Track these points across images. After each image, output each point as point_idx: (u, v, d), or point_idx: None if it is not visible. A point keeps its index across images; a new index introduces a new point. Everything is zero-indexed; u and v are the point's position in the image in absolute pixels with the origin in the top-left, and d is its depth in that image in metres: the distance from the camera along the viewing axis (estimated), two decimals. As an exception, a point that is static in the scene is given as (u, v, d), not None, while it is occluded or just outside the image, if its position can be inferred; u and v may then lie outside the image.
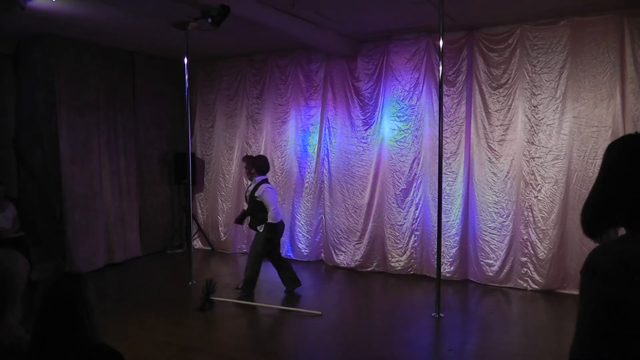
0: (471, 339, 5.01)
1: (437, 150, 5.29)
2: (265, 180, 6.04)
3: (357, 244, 7.35)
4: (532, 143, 6.19)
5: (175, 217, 8.87)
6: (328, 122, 7.63)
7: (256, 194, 5.87)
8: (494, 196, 6.42)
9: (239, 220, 6.28)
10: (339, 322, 5.31)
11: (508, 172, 6.34)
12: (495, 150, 6.42)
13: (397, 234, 7.05)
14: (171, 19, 5.65)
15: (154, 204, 8.51)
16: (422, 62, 6.83)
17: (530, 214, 6.21)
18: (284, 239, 7.95)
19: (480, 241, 6.51)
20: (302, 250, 7.87)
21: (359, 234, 7.34)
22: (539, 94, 6.15)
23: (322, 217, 7.73)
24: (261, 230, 5.87)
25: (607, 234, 1.42)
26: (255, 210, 5.91)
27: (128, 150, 7.90)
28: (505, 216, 6.36)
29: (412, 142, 6.94)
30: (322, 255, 7.78)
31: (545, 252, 6.10)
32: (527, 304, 5.90)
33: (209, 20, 4.96)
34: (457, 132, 6.64)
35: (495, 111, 6.41)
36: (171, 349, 4.54)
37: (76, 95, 7.03)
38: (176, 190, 8.91)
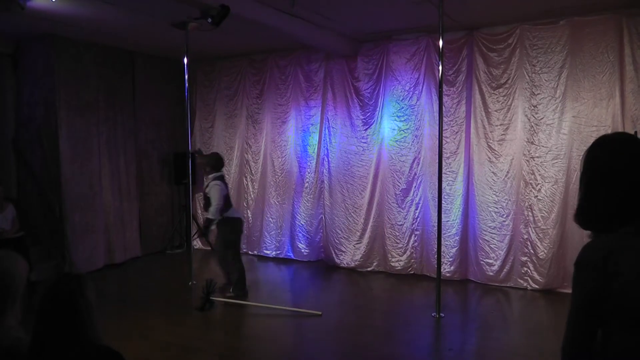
0: (471, 338, 5.01)
1: (437, 150, 5.29)
2: (220, 177, 5.98)
3: (357, 243, 7.35)
4: (532, 143, 6.19)
5: (175, 217, 8.87)
6: (328, 122, 7.62)
7: (206, 190, 5.91)
8: (493, 196, 6.43)
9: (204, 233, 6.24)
10: (339, 322, 5.30)
11: (508, 172, 6.34)
12: (495, 150, 6.42)
13: (397, 234, 7.05)
14: (171, 18, 5.65)
15: (154, 204, 8.50)
16: (422, 62, 6.83)
17: (530, 213, 6.21)
18: (284, 239, 7.98)
19: (480, 241, 6.51)
20: (302, 250, 7.87)
21: (359, 233, 7.34)
22: (539, 94, 6.15)
23: (322, 217, 7.73)
24: (213, 228, 5.92)
25: (603, 229, 1.51)
26: (208, 206, 5.91)
27: (128, 150, 7.89)
28: (505, 216, 6.36)
29: (412, 141, 6.94)
30: (322, 255, 7.78)
31: (545, 251, 6.10)
32: (527, 304, 5.90)
33: (209, 20, 4.95)
34: (457, 132, 6.64)
35: (495, 111, 6.41)
36: (171, 349, 4.54)
37: (76, 95, 7.03)
38: (176, 190, 8.91)
